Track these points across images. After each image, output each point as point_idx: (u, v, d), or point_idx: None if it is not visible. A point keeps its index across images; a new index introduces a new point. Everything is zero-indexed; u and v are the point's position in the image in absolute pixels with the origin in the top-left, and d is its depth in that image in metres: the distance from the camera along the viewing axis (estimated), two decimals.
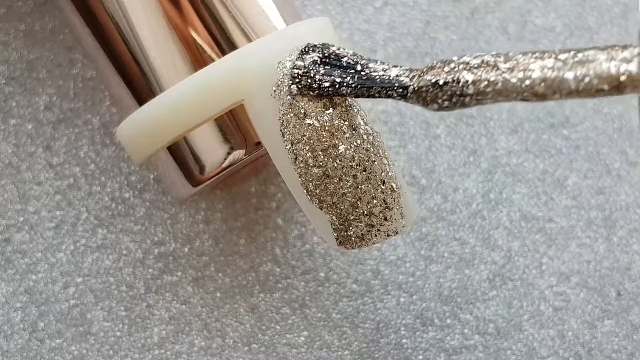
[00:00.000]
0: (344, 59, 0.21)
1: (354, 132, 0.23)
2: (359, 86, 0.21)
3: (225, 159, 0.24)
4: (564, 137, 0.30)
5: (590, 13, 0.30)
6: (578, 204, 0.30)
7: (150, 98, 0.24)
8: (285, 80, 0.22)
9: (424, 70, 0.20)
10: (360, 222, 0.23)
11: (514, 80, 0.19)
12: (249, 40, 0.24)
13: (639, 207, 0.30)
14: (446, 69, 0.20)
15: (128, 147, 0.25)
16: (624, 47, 0.18)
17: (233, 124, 0.24)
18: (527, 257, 0.29)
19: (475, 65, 0.20)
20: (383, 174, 0.23)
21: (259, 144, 0.24)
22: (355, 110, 0.23)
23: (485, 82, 0.19)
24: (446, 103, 0.20)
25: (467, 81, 0.19)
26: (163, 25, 0.24)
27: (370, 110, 0.30)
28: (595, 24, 0.30)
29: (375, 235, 0.23)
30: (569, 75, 0.18)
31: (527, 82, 0.19)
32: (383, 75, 0.21)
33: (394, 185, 0.23)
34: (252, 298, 0.29)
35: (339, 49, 0.22)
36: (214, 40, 0.24)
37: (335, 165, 0.22)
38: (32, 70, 0.29)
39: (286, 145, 0.22)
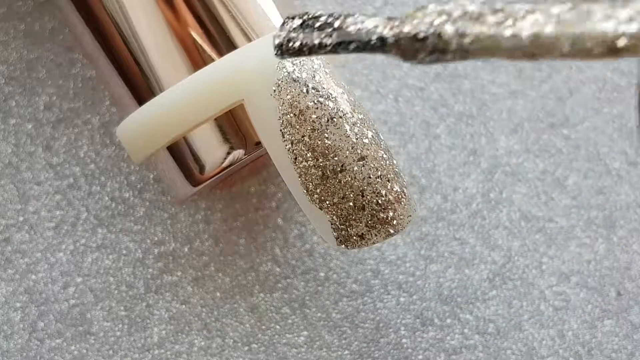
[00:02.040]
0: (322, 18, 0.21)
1: (354, 132, 0.23)
2: (338, 43, 0.20)
3: (225, 158, 0.24)
4: (564, 137, 0.30)
5: None
6: (578, 203, 0.30)
7: (150, 98, 0.24)
8: (283, 77, 0.22)
9: (403, 19, 0.19)
10: (360, 222, 0.23)
11: (500, 37, 0.17)
12: (249, 40, 0.24)
13: (639, 207, 0.30)
14: (427, 19, 0.18)
15: (128, 146, 0.25)
16: (626, 2, 0.17)
17: (233, 124, 0.24)
18: (527, 256, 0.29)
19: (458, 17, 0.18)
20: (384, 173, 0.23)
21: (258, 144, 0.24)
22: (356, 110, 0.23)
23: (470, 38, 0.18)
24: (427, 58, 0.18)
25: (449, 36, 0.18)
26: (163, 25, 0.24)
27: (370, 110, 0.30)
28: None
29: (376, 235, 0.23)
30: (562, 34, 0.17)
31: (516, 40, 0.17)
32: (360, 28, 0.20)
33: (395, 185, 0.23)
34: (252, 298, 0.29)
35: (317, 12, 0.21)
36: (214, 40, 0.24)
37: (335, 165, 0.22)
38: (31, 70, 0.29)
39: (286, 145, 0.22)
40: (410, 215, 0.23)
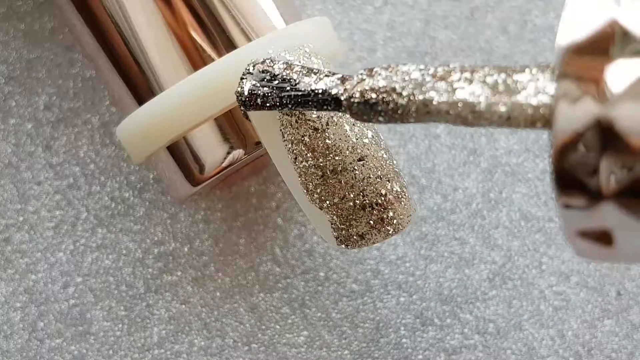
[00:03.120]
0: (279, 76, 0.21)
1: (354, 132, 0.23)
2: (296, 102, 0.21)
3: (225, 158, 0.24)
4: None
5: None
6: None
7: (149, 98, 0.24)
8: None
9: (354, 83, 0.20)
10: (361, 222, 0.23)
11: (442, 106, 0.18)
12: (249, 40, 0.24)
13: None
14: (374, 85, 0.19)
15: (128, 146, 0.25)
16: (551, 76, 0.18)
17: (233, 124, 0.24)
18: (527, 256, 0.29)
19: (403, 85, 0.19)
20: (384, 173, 0.23)
21: (258, 143, 0.24)
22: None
23: (414, 107, 0.19)
24: (380, 119, 0.19)
25: (396, 103, 0.19)
26: (163, 25, 0.24)
27: None
28: None
29: (376, 235, 0.23)
30: (496, 107, 0.18)
31: (455, 109, 0.18)
32: (315, 89, 0.21)
33: (395, 185, 0.23)
34: (252, 298, 0.29)
35: (275, 63, 0.22)
36: (214, 40, 0.24)
37: (335, 165, 0.22)
38: (31, 70, 0.29)
39: (286, 145, 0.22)
40: (410, 215, 0.23)
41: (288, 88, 0.21)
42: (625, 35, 0.16)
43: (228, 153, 0.24)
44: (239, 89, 0.22)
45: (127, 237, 0.29)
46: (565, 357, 0.29)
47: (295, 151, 0.22)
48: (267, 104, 0.21)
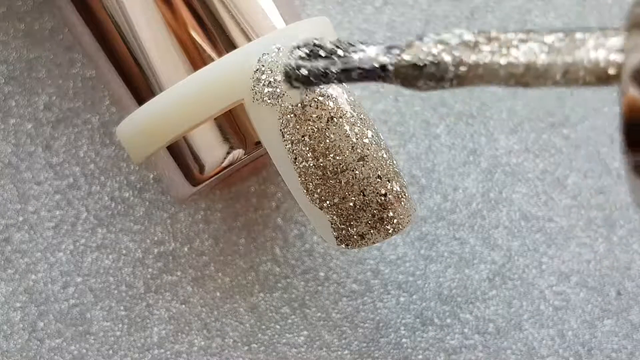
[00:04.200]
0: (327, 47, 0.21)
1: (354, 132, 0.23)
2: (342, 70, 0.21)
3: (225, 158, 0.24)
4: (564, 137, 0.30)
5: (590, 12, 0.30)
6: (578, 203, 0.30)
7: (149, 97, 0.24)
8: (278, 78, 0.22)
9: (403, 48, 0.19)
10: (361, 222, 0.23)
11: (495, 66, 0.18)
12: (249, 39, 0.24)
13: None
14: (424, 48, 0.19)
15: (128, 146, 0.25)
16: (615, 32, 0.17)
17: (233, 124, 0.24)
18: (527, 256, 0.29)
19: (455, 46, 0.18)
20: (384, 173, 0.23)
21: (258, 143, 0.24)
22: (356, 110, 0.23)
23: (466, 67, 0.18)
24: (426, 86, 0.19)
25: (446, 64, 0.18)
26: (163, 24, 0.24)
27: (370, 110, 0.30)
28: (595, 23, 0.30)
29: (376, 235, 0.23)
30: (554, 63, 0.17)
31: (510, 68, 0.18)
32: (362, 57, 0.20)
33: (395, 185, 0.23)
34: (252, 298, 0.29)
35: (320, 40, 0.22)
36: (214, 39, 0.24)
37: (336, 165, 0.22)
38: (31, 70, 0.29)
39: (286, 145, 0.22)
40: (410, 215, 0.23)
41: (334, 59, 0.21)
42: None
43: (228, 153, 0.24)
44: (289, 61, 0.21)
45: (127, 237, 0.29)
46: (565, 357, 0.29)
47: (295, 151, 0.22)
48: (312, 76, 0.21)
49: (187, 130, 0.24)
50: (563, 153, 0.30)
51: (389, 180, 0.23)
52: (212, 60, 0.24)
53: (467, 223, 0.30)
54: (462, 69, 0.18)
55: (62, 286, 0.29)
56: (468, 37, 0.19)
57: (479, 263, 0.29)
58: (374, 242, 0.23)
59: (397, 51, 0.20)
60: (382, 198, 0.23)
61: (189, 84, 0.23)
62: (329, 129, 0.22)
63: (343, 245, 0.23)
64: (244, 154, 0.24)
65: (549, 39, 0.18)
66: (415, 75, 0.19)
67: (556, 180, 0.30)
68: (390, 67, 0.19)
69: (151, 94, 0.24)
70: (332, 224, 0.23)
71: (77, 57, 0.29)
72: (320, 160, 0.22)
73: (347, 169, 0.22)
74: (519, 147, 0.30)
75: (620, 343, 0.29)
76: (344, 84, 0.23)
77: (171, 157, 0.25)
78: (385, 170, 0.23)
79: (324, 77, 0.21)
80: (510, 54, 0.18)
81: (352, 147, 0.22)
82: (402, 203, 0.23)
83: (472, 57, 0.18)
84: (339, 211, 0.23)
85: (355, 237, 0.23)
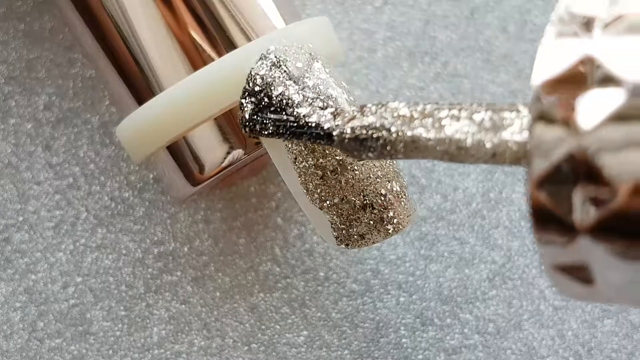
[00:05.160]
0: (275, 104, 0.22)
1: None
2: (290, 132, 0.22)
3: (225, 158, 0.24)
4: None
5: None
6: None
7: (149, 97, 0.24)
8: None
9: (346, 120, 0.20)
10: (361, 222, 0.23)
11: (430, 142, 0.19)
12: (249, 39, 0.24)
13: None
14: (364, 121, 0.20)
15: (127, 146, 0.25)
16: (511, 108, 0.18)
17: (233, 124, 0.24)
18: (527, 256, 0.29)
19: (391, 121, 0.20)
20: (384, 173, 0.23)
21: (258, 143, 0.24)
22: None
23: (402, 143, 0.19)
24: (370, 155, 0.20)
25: (385, 139, 0.20)
26: (162, 24, 0.24)
27: None
28: None
29: (376, 235, 0.23)
30: (482, 143, 0.18)
31: (442, 145, 0.19)
32: (308, 122, 0.21)
33: (395, 185, 0.23)
34: (252, 298, 0.29)
35: (274, 90, 0.22)
36: (214, 39, 0.24)
37: (336, 165, 0.22)
38: (31, 70, 0.29)
39: (286, 145, 0.22)
40: (410, 215, 0.23)
41: (284, 118, 0.22)
42: (598, 70, 0.16)
43: (228, 153, 0.24)
44: (241, 114, 0.22)
45: (127, 237, 0.29)
46: (565, 357, 0.29)
47: (295, 151, 0.22)
48: (266, 132, 0.22)
49: (187, 130, 0.24)
50: None
51: (388, 180, 0.23)
52: (212, 60, 0.24)
53: (467, 223, 0.30)
54: (400, 145, 0.19)
55: (62, 286, 0.29)
56: (404, 111, 0.20)
57: (479, 263, 0.29)
58: (374, 242, 0.23)
59: (340, 121, 0.21)
60: (382, 198, 0.23)
61: (189, 84, 0.23)
62: None
63: (343, 245, 0.23)
64: (244, 154, 0.24)
65: (478, 117, 0.18)
66: (357, 148, 0.20)
67: None
68: (335, 138, 0.21)
69: (151, 94, 0.24)
70: (332, 224, 0.23)
71: (77, 57, 0.29)
72: (320, 160, 0.22)
73: (347, 169, 0.22)
74: None
75: (620, 343, 0.29)
76: (343, 83, 0.23)
77: (171, 157, 0.25)
78: (385, 170, 0.23)
79: (276, 134, 0.22)
80: (443, 131, 0.19)
81: None
82: (402, 203, 0.23)
83: (407, 133, 0.19)
84: (339, 211, 0.23)
85: (355, 237, 0.23)
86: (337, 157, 0.22)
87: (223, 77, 0.23)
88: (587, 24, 0.17)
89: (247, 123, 0.22)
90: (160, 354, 0.29)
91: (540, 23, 0.30)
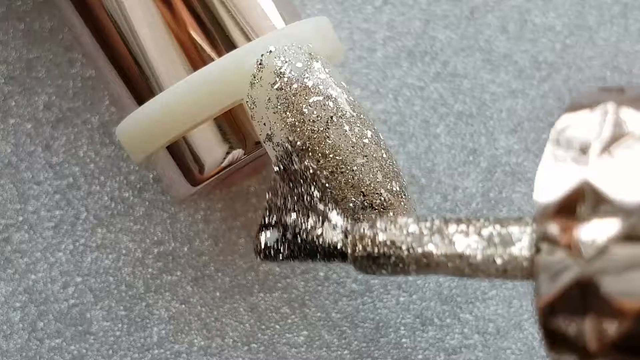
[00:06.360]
0: (290, 227, 0.22)
1: (354, 132, 0.23)
2: (305, 254, 0.22)
3: (225, 158, 0.24)
4: None
5: (589, 12, 0.30)
6: None
7: (149, 97, 0.24)
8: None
9: (356, 238, 0.21)
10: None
11: (441, 258, 0.19)
12: (249, 39, 0.24)
13: None
14: (375, 239, 0.20)
15: (127, 146, 0.25)
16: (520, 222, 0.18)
17: (233, 124, 0.24)
18: None
19: (402, 239, 0.20)
20: (384, 173, 0.23)
21: (258, 143, 0.24)
22: (355, 109, 0.23)
23: (414, 260, 0.20)
24: (384, 272, 0.21)
25: (397, 256, 0.20)
26: (162, 24, 0.24)
27: (369, 110, 0.30)
28: (595, 23, 0.30)
29: None
30: (492, 259, 0.18)
31: (453, 261, 0.19)
32: (322, 242, 0.21)
33: (395, 185, 0.23)
34: (252, 297, 0.29)
35: (289, 217, 0.22)
36: (213, 39, 0.24)
37: (335, 165, 0.22)
38: (31, 70, 0.29)
39: None
40: (410, 215, 0.23)
41: (299, 243, 0.22)
42: (596, 195, 0.17)
43: (228, 153, 0.24)
44: (258, 243, 0.22)
45: (127, 237, 0.29)
46: None
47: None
48: (281, 257, 0.22)
49: (187, 130, 0.24)
50: None
51: (389, 180, 0.23)
52: (212, 59, 0.24)
53: None
54: (412, 261, 0.20)
55: (62, 286, 0.29)
56: (413, 228, 0.20)
57: None
58: None
59: (351, 239, 0.21)
60: (382, 198, 0.23)
61: (189, 83, 0.23)
62: (328, 129, 0.22)
63: None
64: (244, 154, 0.24)
65: (487, 232, 0.19)
66: (370, 265, 0.21)
67: None
68: (349, 256, 0.21)
69: (151, 94, 0.24)
70: None
71: (76, 57, 0.29)
72: (320, 160, 0.22)
73: (347, 169, 0.22)
74: (519, 147, 0.30)
75: None
76: (343, 83, 0.23)
77: (171, 157, 0.25)
78: (385, 170, 0.23)
79: (291, 259, 0.22)
80: (453, 247, 0.19)
81: (352, 147, 0.22)
82: (402, 203, 0.23)
83: (419, 250, 0.20)
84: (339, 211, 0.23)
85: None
86: (337, 157, 0.22)
87: (223, 77, 0.23)
88: (583, 149, 0.17)
89: (264, 251, 0.22)
90: (160, 354, 0.29)
91: (540, 23, 0.30)
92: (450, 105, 0.30)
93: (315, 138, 0.22)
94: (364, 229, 0.21)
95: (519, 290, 0.29)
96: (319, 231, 0.22)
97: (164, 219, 0.29)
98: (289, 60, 0.23)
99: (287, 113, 0.22)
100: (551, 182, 0.17)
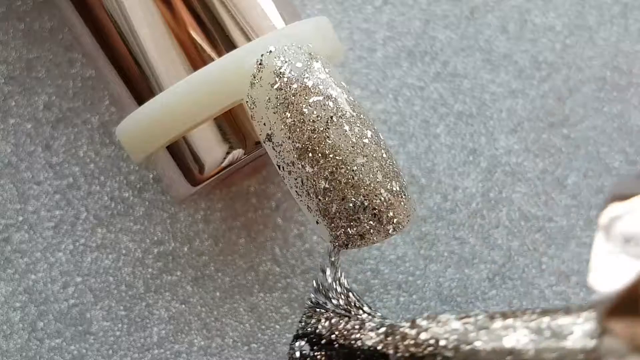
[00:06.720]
0: (325, 335, 0.22)
1: (354, 132, 0.23)
2: (344, 358, 0.22)
3: (225, 158, 0.24)
4: (564, 136, 0.30)
5: (589, 12, 0.30)
6: (578, 203, 0.30)
7: (149, 97, 0.24)
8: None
9: (398, 338, 0.20)
10: (361, 222, 0.23)
11: (490, 355, 0.19)
12: (249, 39, 0.24)
13: None
14: (418, 339, 0.20)
15: (127, 146, 0.25)
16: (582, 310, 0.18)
17: (233, 124, 0.24)
18: (527, 256, 0.29)
19: (446, 336, 0.20)
20: (384, 173, 0.23)
21: (258, 143, 0.24)
22: (355, 109, 0.23)
23: (462, 357, 0.19)
24: None
25: (443, 355, 0.20)
26: (162, 24, 0.24)
27: (369, 110, 0.30)
28: (595, 23, 0.30)
29: (376, 235, 0.23)
30: (546, 353, 0.18)
31: (502, 357, 0.19)
32: (362, 346, 0.21)
33: (395, 185, 0.23)
34: (252, 297, 0.29)
35: (320, 326, 0.22)
36: (214, 39, 0.24)
37: (335, 165, 0.22)
38: (31, 70, 0.29)
39: None
40: (410, 215, 0.23)
41: (336, 345, 0.22)
42: None
43: (228, 153, 0.24)
44: (292, 352, 0.22)
45: (127, 237, 0.29)
46: None
47: None
48: None
49: (187, 130, 0.24)
50: (563, 153, 0.30)
51: (389, 180, 0.23)
52: (212, 59, 0.24)
53: (467, 223, 0.30)
54: (460, 359, 0.19)
55: (62, 286, 0.29)
56: (456, 325, 0.20)
57: (479, 263, 0.29)
58: (374, 242, 0.23)
59: (392, 340, 0.21)
60: (382, 198, 0.23)
61: (189, 83, 0.23)
62: (328, 129, 0.22)
63: (343, 246, 0.23)
64: (244, 154, 0.24)
65: (535, 325, 0.18)
66: None
67: (556, 180, 0.30)
68: (392, 357, 0.21)
69: (151, 94, 0.24)
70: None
71: (76, 57, 0.29)
72: (320, 160, 0.22)
73: (347, 169, 0.22)
74: (519, 147, 0.30)
75: None
76: (343, 83, 0.23)
77: (171, 157, 0.25)
78: (385, 170, 0.23)
79: None
80: (502, 343, 0.19)
81: (352, 147, 0.22)
82: (402, 203, 0.23)
83: (465, 348, 0.19)
84: (340, 211, 0.23)
85: (355, 237, 0.23)
86: (337, 157, 0.22)
87: (223, 77, 0.23)
88: (637, 241, 0.17)
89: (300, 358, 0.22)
90: (160, 354, 0.29)
91: (540, 23, 0.30)
92: (450, 105, 0.30)
93: (315, 138, 0.22)
94: (405, 329, 0.20)
95: (519, 290, 0.29)
96: (357, 335, 0.21)
97: (164, 219, 0.29)
98: (289, 60, 0.23)
99: (287, 113, 0.22)
100: (608, 275, 0.17)
